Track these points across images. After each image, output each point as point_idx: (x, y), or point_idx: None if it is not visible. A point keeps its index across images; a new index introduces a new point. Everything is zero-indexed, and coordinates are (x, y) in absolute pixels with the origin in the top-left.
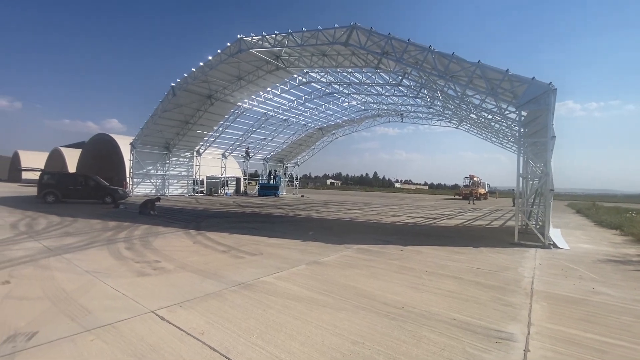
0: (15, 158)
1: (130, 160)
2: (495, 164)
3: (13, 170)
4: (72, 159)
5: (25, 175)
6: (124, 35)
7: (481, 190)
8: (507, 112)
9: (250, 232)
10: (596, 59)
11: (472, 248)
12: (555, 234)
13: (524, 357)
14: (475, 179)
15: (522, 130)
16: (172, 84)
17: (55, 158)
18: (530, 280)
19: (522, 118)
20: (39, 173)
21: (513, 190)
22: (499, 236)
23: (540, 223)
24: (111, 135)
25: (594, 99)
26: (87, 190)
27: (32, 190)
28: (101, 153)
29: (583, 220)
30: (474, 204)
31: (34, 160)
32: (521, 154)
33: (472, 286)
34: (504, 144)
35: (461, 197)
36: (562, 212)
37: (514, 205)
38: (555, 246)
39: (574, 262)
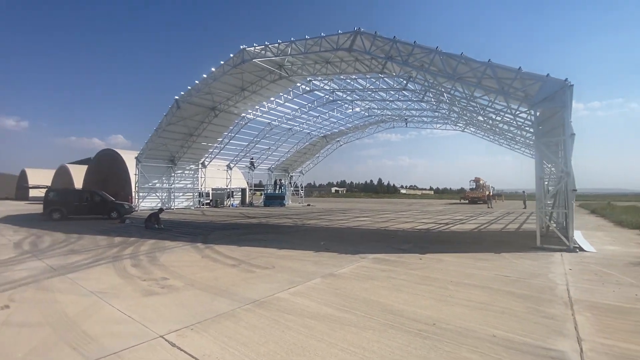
0: (23, 176)
1: (135, 174)
2: (499, 166)
3: (20, 189)
4: (78, 176)
5: (32, 193)
6: (127, 51)
7: (487, 193)
8: (517, 112)
9: (260, 244)
10: (598, 58)
11: (493, 254)
12: (577, 236)
13: None
14: (481, 181)
15: (539, 128)
16: (176, 97)
17: (62, 175)
18: (565, 287)
19: (535, 117)
20: (44, 190)
21: (522, 192)
22: (519, 240)
23: (559, 226)
24: (116, 150)
25: (597, 98)
26: (93, 206)
27: (39, 208)
28: (107, 168)
29: (601, 221)
30: (491, 207)
31: (41, 178)
32: (537, 155)
33: (504, 296)
34: (512, 146)
35: (467, 201)
36: (576, 212)
37: (524, 208)
38: (580, 249)
39: (606, 265)
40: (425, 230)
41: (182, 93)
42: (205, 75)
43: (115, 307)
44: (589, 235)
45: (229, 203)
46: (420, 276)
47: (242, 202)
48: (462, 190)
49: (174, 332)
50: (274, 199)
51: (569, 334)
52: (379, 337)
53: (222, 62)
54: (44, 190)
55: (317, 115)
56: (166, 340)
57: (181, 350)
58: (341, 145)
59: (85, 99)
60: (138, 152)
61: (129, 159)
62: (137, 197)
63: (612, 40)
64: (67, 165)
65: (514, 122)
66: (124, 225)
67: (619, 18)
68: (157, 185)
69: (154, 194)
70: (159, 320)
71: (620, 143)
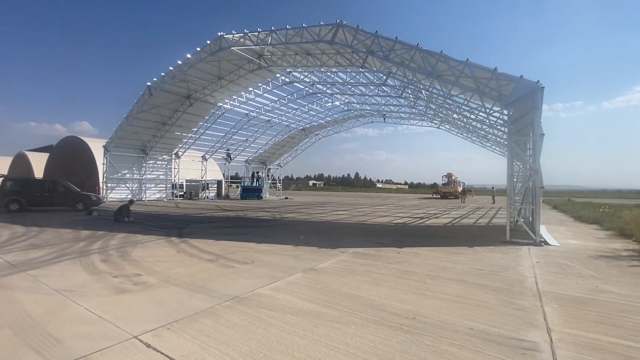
0: None
1: (103, 164)
2: (470, 163)
3: None
4: (38, 164)
5: None
6: (94, 32)
7: (459, 189)
8: (491, 111)
9: (238, 238)
10: (561, 62)
11: (467, 248)
12: (542, 230)
13: None
14: (453, 177)
15: (511, 127)
16: (149, 84)
17: (20, 163)
18: (534, 280)
19: (508, 117)
20: (0, 179)
21: (491, 188)
22: (490, 234)
23: (526, 220)
24: (82, 138)
25: (560, 99)
26: (56, 196)
27: None
28: (71, 157)
29: (562, 216)
30: (464, 202)
31: None
32: (509, 153)
33: (479, 289)
34: (484, 143)
35: (440, 196)
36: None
37: (493, 203)
38: (546, 243)
39: (569, 259)
40: (402, 225)
41: (155, 79)
42: (180, 62)
43: (83, 306)
44: (553, 230)
45: (204, 195)
46: (399, 270)
47: (218, 194)
48: (435, 185)
49: (150, 332)
50: (251, 192)
51: (539, 324)
52: (362, 333)
53: (198, 49)
54: (0, 179)
55: (297, 107)
56: (141, 341)
57: (157, 351)
58: (320, 139)
59: (47, 81)
60: (106, 140)
61: (96, 147)
62: (105, 188)
63: (574, 43)
64: (26, 152)
65: (487, 121)
66: (91, 217)
67: (581, 23)
68: (127, 175)
69: (123, 185)
70: (132, 320)
71: (578, 143)
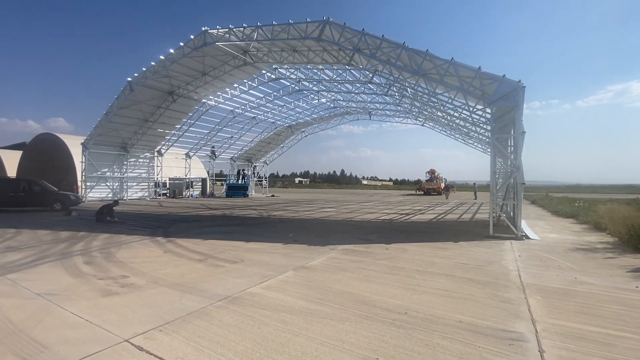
0: None
1: (82, 162)
2: (452, 159)
3: None
4: (11, 162)
5: None
6: (70, 22)
7: (442, 185)
8: (474, 109)
9: (225, 236)
10: (538, 62)
11: (452, 243)
12: (523, 225)
13: (541, 358)
14: (435, 173)
15: (494, 125)
16: (129, 79)
17: None
18: (517, 273)
19: (491, 115)
20: None
21: (473, 184)
22: (474, 230)
23: (508, 215)
24: (57, 135)
25: (537, 98)
26: (32, 196)
27: None
28: (46, 155)
29: (540, 211)
30: (448, 198)
31: None
32: (492, 150)
33: (466, 283)
34: (466, 140)
35: (423, 193)
36: None
37: (475, 198)
38: (527, 237)
39: (548, 252)
40: (389, 221)
41: (135, 75)
42: (162, 57)
43: (68, 310)
44: (533, 224)
45: (188, 194)
46: (388, 266)
47: (203, 192)
48: (419, 181)
49: (141, 335)
50: (237, 190)
51: (525, 316)
52: (356, 329)
53: (181, 44)
54: None
55: (283, 104)
56: (132, 344)
57: (151, 354)
58: (306, 136)
59: (18, 74)
60: (84, 137)
61: (73, 144)
62: (84, 186)
63: (549, 45)
64: None
65: (470, 119)
66: (70, 218)
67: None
68: (108, 174)
69: (103, 184)
70: (122, 323)
71: (553, 140)
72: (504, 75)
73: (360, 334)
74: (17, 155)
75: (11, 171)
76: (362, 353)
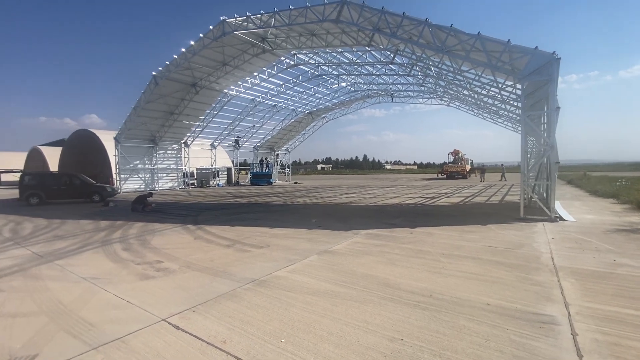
0: None
1: (115, 155)
2: (481, 140)
3: None
4: (52, 158)
5: (5, 177)
6: (98, 26)
7: (467, 167)
8: (503, 85)
9: (251, 223)
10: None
11: (480, 226)
12: (557, 206)
13: (574, 341)
14: (460, 154)
15: (525, 101)
16: (154, 73)
17: (35, 158)
18: (549, 255)
19: (522, 91)
20: (19, 174)
21: (501, 165)
22: (503, 212)
23: (540, 197)
24: (92, 130)
25: (574, 71)
26: (73, 189)
27: (13, 193)
28: (83, 150)
29: (577, 191)
30: (483, 180)
31: (11, 161)
32: (523, 128)
33: (494, 266)
34: (495, 119)
35: (445, 177)
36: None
37: (505, 180)
38: (561, 219)
39: (585, 233)
40: (413, 205)
41: (160, 69)
42: (184, 50)
43: (111, 292)
44: (568, 205)
45: (214, 183)
46: (412, 250)
47: (228, 181)
48: (444, 164)
49: (177, 315)
50: (261, 178)
51: (557, 299)
52: (380, 311)
53: (201, 35)
54: (18, 174)
55: (302, 90)
56: (169, 323)
57: (186, 332)
58: (327, 122)
59: (54, 76)
60: (116, 132)
61: (107, 139)
62: (118, 179)
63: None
64: (40, 147)
65: (499, 96)
66: (107, 208)
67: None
68: (139, 166)
69: (136, 176)
70: (158, 304)
71: (592, 115)
72: (537, 47)
73: (385, 316)
74: (57, 151)
75: (53, 166)
76: (386, 334)
